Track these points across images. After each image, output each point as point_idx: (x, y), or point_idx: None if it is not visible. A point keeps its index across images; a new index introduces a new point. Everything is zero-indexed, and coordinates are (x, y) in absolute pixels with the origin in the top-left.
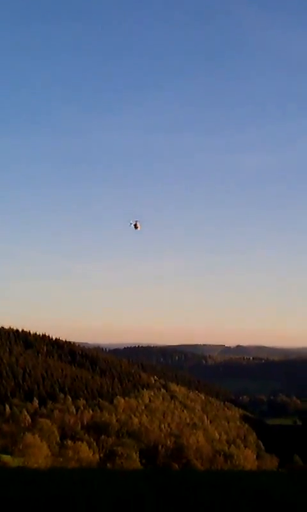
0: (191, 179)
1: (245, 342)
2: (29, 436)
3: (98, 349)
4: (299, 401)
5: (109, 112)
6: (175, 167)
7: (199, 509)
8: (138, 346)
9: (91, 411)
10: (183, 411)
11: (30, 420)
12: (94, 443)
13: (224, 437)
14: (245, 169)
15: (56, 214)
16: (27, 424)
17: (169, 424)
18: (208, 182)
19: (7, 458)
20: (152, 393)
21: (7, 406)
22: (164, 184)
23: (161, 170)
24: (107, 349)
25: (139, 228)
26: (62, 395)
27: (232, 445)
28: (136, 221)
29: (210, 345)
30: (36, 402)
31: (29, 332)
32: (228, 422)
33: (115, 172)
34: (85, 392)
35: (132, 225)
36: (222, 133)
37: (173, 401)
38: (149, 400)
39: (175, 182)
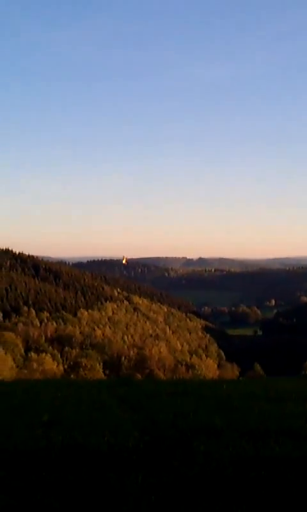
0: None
1: (207, 254)
2: None
3: (61, 263)
4: (259, 311)
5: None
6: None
7: (159, 416)
8: (101, 259)
9: (54, 324)
10: (145, 323)
11: None
12: (58, 355)
13: (186, 348)
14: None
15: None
16: None
17: (132, 336)
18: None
19: None
20: (115, 306)
21: None
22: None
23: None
24: (70, 263)
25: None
26: (26, 309)
27: (194, 355)
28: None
29: (172, 257)
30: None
31: None
32: (190, 333)
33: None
34: (49, 305)
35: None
36: None
37: (135, 313)
38: (113, 313)
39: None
